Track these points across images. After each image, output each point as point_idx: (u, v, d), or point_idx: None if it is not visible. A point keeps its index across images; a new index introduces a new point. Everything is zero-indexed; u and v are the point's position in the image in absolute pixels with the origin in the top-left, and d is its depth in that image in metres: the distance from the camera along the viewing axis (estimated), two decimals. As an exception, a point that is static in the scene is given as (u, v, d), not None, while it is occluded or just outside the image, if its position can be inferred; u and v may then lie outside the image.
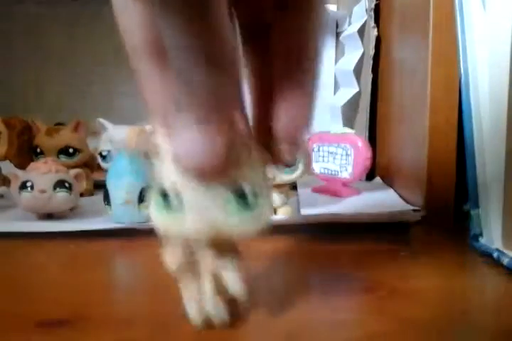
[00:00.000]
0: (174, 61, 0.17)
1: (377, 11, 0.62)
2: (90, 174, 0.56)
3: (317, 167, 0.54)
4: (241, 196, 0.20)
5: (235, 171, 0.19)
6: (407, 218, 0.40)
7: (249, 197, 0.20)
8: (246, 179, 0.20)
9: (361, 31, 0.65)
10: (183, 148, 0.18)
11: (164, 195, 0.20)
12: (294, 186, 0.54)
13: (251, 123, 0.22)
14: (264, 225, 0.21)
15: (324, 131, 0.55)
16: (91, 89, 0.83)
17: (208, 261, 0.22)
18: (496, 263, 0.30)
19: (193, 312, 0.22)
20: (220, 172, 0.19)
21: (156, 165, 0.21)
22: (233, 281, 0.21)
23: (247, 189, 0.20)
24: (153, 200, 0.21)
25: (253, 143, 0.21)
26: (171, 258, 0.22)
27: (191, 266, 0.22)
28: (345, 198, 0.50)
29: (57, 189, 0.40)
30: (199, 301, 0.22)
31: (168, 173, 0.20)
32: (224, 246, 0.22)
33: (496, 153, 0.31)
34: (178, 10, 0.16)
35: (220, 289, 0.22)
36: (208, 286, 0.22)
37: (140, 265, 0.32)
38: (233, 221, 0.20)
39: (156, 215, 0.21)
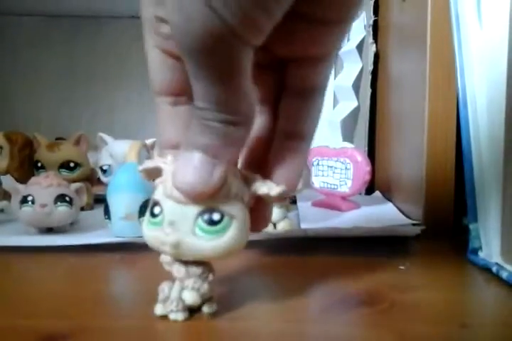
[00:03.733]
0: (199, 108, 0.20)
1: (375, 27, 0.63)
2: (91, 188, 0.56)
3: (317, 181, 0.55)
4: (208, 221, 0.22)
5: (213, 198, 0.22)
6: (406, 232, 0.40)
7: (217, 222, 0.22)
8: (218, 207, 0.22)
9: (360, 47, 0.66)
10: (183, 173, 0.21)
11: (151, 209, 0.23)
12: (293, 200, 0.54)
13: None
14: (226, 253, 0.22)
15: (324, 145, 0.55)
16: (91, 103, 0.83)
17: (175, 268, 0.24)
18: (495, 277, 0.30)
19: (157, 311, 0.24)
20: (204, 198, 0.21)
21: (156, 182, 0.23)
22: (188, 292, 0.23)
23: (215, 216, 0.22)
24: (146, 215, 0.23)
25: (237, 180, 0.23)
26: (163, 257, 0.24)
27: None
28: (345, 212, 0.50)
29: (58, 203, 0.40)
30: (165, 302, 0.24)
31: (159, 190, 0.23)
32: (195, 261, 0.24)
33: (494, 167, 0.31)
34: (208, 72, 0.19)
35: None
36: (174, 290, 0.24)
37: (140, 279, 0.32)
38: (195, 241, 0.22)
39: (144, 228, 0.23)
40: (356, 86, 0.67)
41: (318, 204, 0.54)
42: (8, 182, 0.52)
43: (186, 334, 0.23)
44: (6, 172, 0.54)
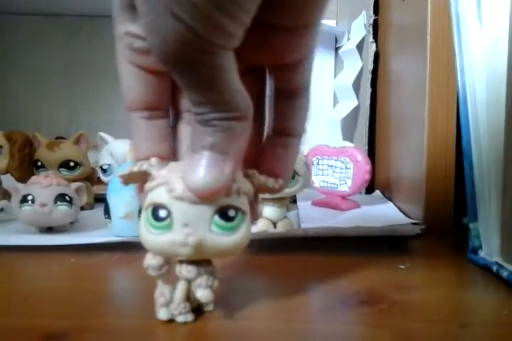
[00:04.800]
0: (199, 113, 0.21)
1: (375, 27, 0.63)
2: (91, 187, 0.56)
3: (317, 180, 0.55)
4: (224, 218, 0.22)
5: (224, 196, 0.22)
6: (406, 231, 0.40)
7: (232, 218, 0.22)
8: (232, 203, 0.22)
9: (360, 46, 0.66)
10: (196, 174, 0.21)
11: (154, 214, 0.22)
12: (294, 199, 0.54)
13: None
14: (241, 248, 0.23)
15: (324, 144, 0.55)
16: (91, 103, 0.83)
17: (183, 269, 0.23)
18: (495, 276, 0.30)
19: (162, 315, 0.23)
20: (218, 196, 0.22)
21: (148, 186, 0.23)
22: (201, 289, 0.23)
23: (231, 212, 0.22)
24: (143, 218, 0.23)
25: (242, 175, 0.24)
26: (152, 262, 0.23)
27: (168, 270, 0.24)
28: (345, 211, 0.50)
29: (58, 202, 0.40)
30: (168, 305, 0.24)
31: (161, 193, 0.22)
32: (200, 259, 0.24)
33: (494, 166, 0.31)
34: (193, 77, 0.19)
35: (190, 296, 0.24)
36: (179, 292, 0.24)
37: (140, 278, 0.32)
38: (215, 239, 0.22)
39: (145, 232, 0.23)
40: (356, 85, 0.67)
41: (318, 203, 0.54)
42: (8, 181, 0.52)
43: (185, 334, 0.23)
44: (5, 172, 0.53)
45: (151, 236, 0.23)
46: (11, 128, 0.58)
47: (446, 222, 0.42)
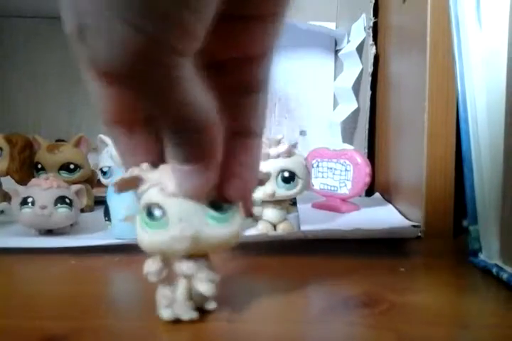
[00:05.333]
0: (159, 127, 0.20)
1: (375, 29, 0.63)
2: (91, 190, 0.56)
3: (316, 183, 0.55)
4: (218, 209, 0.23)
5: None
6: (406, 234, 0.40)
7: (225, 210, 0.23)
8: None
9: (360, 49, 0.66)
10: (182, 179, 0.22)
11: (149, 213, 0.23)
12: (293, 202, 0.54)
13: None
14: (236, 239, 0.24)
15: (323, 147, 0.55)
16: (91, 105, 0.83)
17: (183, 266, 0.23)
18: (496, 278, 0.30)
19: (166, 316, 0.24)
20: (205, 193, 0.22)
21: (141, 189, 0.23)
22: (204, 283, 0.23)
23: (224, 203, 0.23)
24: (139, 220, 0.23)
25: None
26: (152, 268, 0.24)
27: (167, 273, 0.24)
28: (345, 214, 0.50)
29: (58, 205, 0.41)
30: (171, 305, 0.24)
31: (154, 193, 0.23)
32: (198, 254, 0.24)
33: (494, 169, 0.32)
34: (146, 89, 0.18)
35: (192, 294, 0.24)
36: (181, 291, 0.24)
37: (140, 280, 0.32)
38: (211, 231, 0.22)
39: (141, 232, 0.23)
40: (356, 88, 0.67)
41: (318, 206, 0.54)
42: (9, 183, 0.52)
43: (186, 336, 0.23)
44: (6, 174, 0.53)
45: (147, 236, 0.23)
46: (11, 131, 0.58)
47: (445, 224, 0.42)
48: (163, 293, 0.24)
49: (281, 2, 0.21)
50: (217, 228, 0.23)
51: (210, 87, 0.20)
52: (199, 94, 0.19)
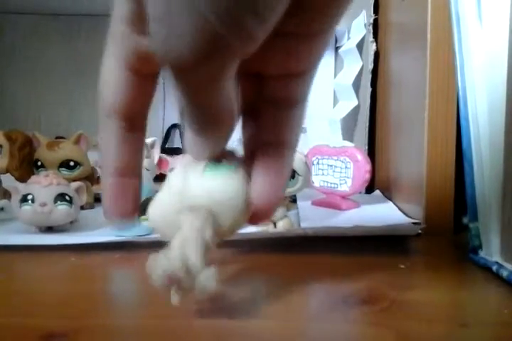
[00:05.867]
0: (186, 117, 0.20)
1: (375, 26, 0.63)
2: (91, 187, 0.56)
3: (317, 180, 0.55)
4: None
5: None
6: (406, 231, 0.40)
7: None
8: None
9: (360, 45, 0.66)
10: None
11: None
12: (294, 199, 0.54)
13: None
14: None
15: (324, 144, 0.55)
16: (91, 102, 0.83)
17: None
18: (496, 276, 0.30)
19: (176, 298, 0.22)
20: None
21: None
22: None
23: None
24: None
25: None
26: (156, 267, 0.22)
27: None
28: (345, 211, 0.50)
29: (58, 202, 0.40)
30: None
31: None
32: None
33: (495, 166, 0.31)
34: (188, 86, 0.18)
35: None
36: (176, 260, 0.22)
37: (140, 278, 0.32)
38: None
39: None
40: (356, 85, 0.67)
41: (318, 203, 0.54)
42: (8, 181, 0.52)
43: (185, 333, 0.23)
44: (5, 171, 0.53)
45: None
46: (11, 128, 0.58)
47: (446, 221, 0.42)
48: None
49: (330, 21, 0.21)
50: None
51: (247, 97, 0.21)
52: (232, 96, 0.20)
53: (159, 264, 0.22)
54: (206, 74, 0.18)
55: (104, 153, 0.24)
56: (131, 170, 0.23)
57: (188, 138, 0.21)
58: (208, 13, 0.16)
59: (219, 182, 0.22)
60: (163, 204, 0.23)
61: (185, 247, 0.22)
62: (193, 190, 0.22)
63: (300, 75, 0.22)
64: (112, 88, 0.22)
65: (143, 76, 0.22)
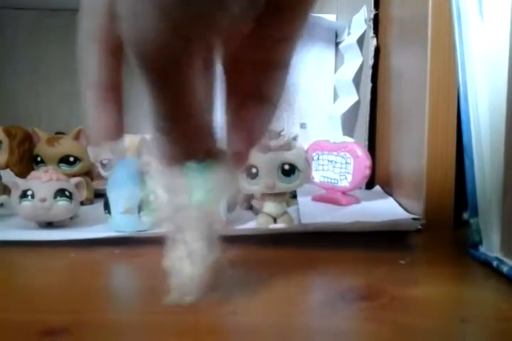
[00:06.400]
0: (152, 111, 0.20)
1: (376, 21, 0.63)
2: (91, 183, 0.56)
3: (317, 175, 0.55)
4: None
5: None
6: (406, 226, 0.40)
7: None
8: None
9: (360, 41, 0.66)
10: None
11: None
12: (294, 195, 0.54)
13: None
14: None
15: (324, 139, 0.55)
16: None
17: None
18: (496, 271, 0.30)
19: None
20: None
21: None
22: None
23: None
24: None
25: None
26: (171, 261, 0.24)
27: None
28: (345, 207, 0.50)
29: (58, 198, 0.40)
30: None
31: None
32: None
33: (495, 162, 0.31)
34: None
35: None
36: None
37: (140, 273, 0.32)
38: None
39: None
40: (357, 80, 0.67)
41: (318, 198, 0.54)
42: (8, 176, 0.52)
43: (185, 328, 0.23)
44: (5, 167, 0.53)
45: None
46: (11, 123, 0.58)
47: (446, 217, 0.42)
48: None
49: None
50: None
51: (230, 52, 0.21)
52: (198, 91, 0.20)
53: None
54: (168, 58, 0.18)
55: (83, 69, 0.25)
56: (110, 83, 0.24)
57: (159, 145, 0.22)
58: (164, 5, 0.16)
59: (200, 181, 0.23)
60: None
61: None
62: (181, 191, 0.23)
63: (283, 41, 0.22)
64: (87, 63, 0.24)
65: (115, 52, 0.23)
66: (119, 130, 0.24)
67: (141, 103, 0.22)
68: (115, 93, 0.24)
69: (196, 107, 0.20)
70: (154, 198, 0.24)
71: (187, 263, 0.24)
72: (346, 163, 0.51)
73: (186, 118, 0.20)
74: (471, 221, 0.33)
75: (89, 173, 0.57)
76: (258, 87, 0.23)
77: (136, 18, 0.17)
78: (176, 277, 0.24)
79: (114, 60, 0.24)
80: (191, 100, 0.19)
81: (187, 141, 0.21)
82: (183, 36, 0.17)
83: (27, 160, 0.55)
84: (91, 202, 0.55)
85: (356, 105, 0.67)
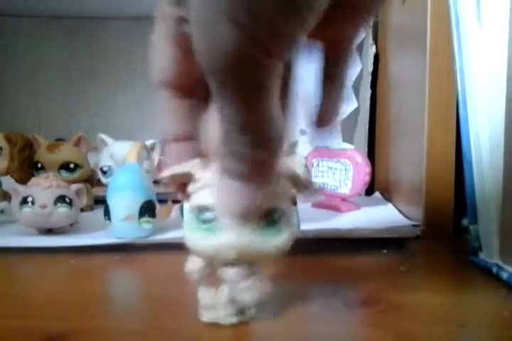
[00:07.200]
0: (227, 138, 0.19)
1: (375, 28, 0.63)
2: (91, 189, 0.56)
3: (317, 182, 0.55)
4: (269, 221, 0.22)
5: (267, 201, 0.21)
6: (406, 233, 0.40)
7: (276, 220, 0.22)
8: (276, 206, 0.22)
9: (359, 48, 0.66)
10: (226, 200, 0.21)
11: (199, 216, 0.22)
12: (294, 201, 0.54)
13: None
14: (283, 251, 0.23)
15: (324, 146, 0.55)
16: (91, 104, 0.83)
17: (227, 273, 0.23)
18: (495, 277, 0.30)
19: (206, 318, 0.23)
20: (251, 216, 0.22)
21: (192, 188, 0.23)
22: (246, 293, 0.23)
23: (276, 215, 0.22)
24: (189, 218, 0.23)
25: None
26: (193, 266, 0.23)
27: (210, 275, 0.23)
28: (345, 213, 0.50)
29: (58, 204, 0.40)
30: (212, 308, 0.23)
31: (206, 195, 0.22)
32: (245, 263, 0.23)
33: (494, 168, 0.31)
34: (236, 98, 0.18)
35: (234, 299, 0.23)
36: (223, 296, 0.23)
37: (140, 280, 0.32)
38: (259, 241, 0.22)
39: (189, 233, 0.23)
40: (356, 87, 0.67)
41: (318, 205, 0.54)
42: (8, 183, 0.52)
43: (184, 335, 0.23)
44: (6, 173, 0.54)
45: (197, 239, 0.22)
46: (11, 130, 0.58)
47: (445, 223, 0.42)
48: (204, 294, 0.24)
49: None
50: (266, 239, 0.22)
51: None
52: (277, 109, 0.19)
53: (205, 297, 0.24)
54: (248, 79, 0.17)
55: (162, 121, 0.24)
56: (187, 135, 0.23)
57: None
58: (245, 18, 0.16)
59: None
60: None
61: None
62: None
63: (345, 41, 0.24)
64: (161, 63, 0.22)
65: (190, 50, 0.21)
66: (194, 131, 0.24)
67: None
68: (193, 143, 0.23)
69: (277, 134, 0.19)
70: None
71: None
72: (346, 169, 0.51)
73: (266, 142, 0.19)
74: (471, 227, 0.33)
75: (89, 180, 0.57)
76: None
77: (208, 27, 0.16)
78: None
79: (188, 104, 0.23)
80: (273, 124, 0.19)
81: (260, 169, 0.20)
82: (263, 49, 0.16)
83: (27, 167, 0.55)
84: (91, 209, 0.55)
85: (356, 112, 0.67)
